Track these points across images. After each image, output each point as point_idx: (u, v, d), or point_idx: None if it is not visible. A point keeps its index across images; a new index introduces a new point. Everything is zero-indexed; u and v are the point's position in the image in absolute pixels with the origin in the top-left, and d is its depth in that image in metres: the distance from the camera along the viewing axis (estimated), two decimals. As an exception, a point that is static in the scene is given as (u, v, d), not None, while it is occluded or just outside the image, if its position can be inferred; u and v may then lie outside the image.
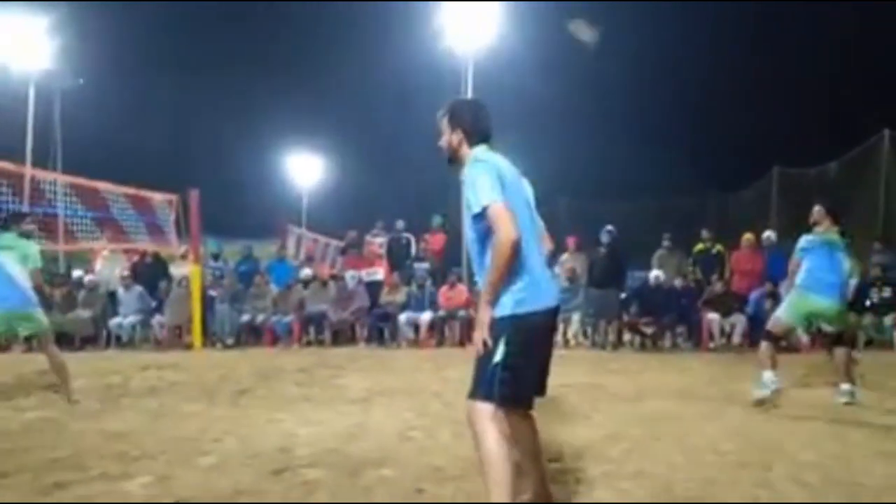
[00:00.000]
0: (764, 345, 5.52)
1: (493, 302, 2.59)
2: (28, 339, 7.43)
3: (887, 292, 9.75)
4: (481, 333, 2.59)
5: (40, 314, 5.86)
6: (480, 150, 2.76)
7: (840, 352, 5.47)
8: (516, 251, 2.51)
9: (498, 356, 2.54)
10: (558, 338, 10.13)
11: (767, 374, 5.36)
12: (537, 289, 2.63)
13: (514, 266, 2.55)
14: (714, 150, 24.90)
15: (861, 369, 6.42)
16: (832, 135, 17.75)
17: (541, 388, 2.77)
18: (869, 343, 9.76)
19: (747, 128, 24.74)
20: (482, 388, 2.58)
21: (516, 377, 2.55)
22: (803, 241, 5.51)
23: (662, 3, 24.88)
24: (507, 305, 2.58)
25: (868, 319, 9.73)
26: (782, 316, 5.46)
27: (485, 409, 2.56)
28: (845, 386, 5.39)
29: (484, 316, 2.60)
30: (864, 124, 14.69)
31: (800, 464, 3.73)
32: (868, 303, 9.81)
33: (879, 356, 8.92)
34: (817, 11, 23.83)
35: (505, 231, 2.48)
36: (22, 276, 5.70)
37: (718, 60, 25.47)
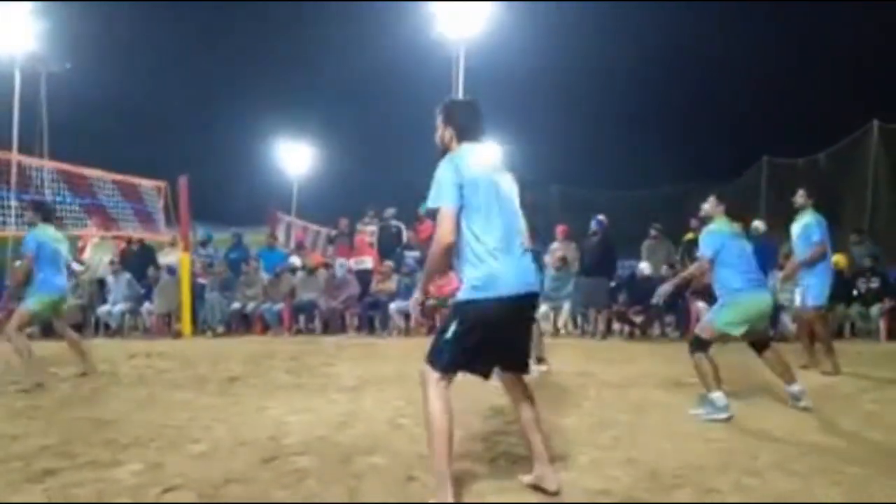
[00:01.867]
0: (702, 358, 4.64)
1: (424, 286, 3.18)
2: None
3: (875, 282, 9.85)
4: (416, 311, 3.52)
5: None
6: (462, 148, 3.01)
7: (773, 352, 4.82)
8: (447, 252, 2.89)
9: (449, 333, 2.91)
10: (548, 326, 10.18)
11: (719, 396, 4.53)
12: (495, 278, 2.88)
13: (472, 256, 2.89)
14: (704, 139, 24.96)
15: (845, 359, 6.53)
16: (821, 125, 17.81)
17: (514, 366, 3.12)
18: (856, 333, 9.88)
19: (737, 117, 24.82)
20: (432, 355, 2.94)
21: (462, 351, 2.89)
22: (709, 237, 4.85)
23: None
24: (465, 291, 2.94)
25: (855, 309, 9.83)
26: (723, 327, 4.68)
27: (431, 375, 2.91)
28: (795, 386, 4.78)
29: (417, 294, 3.32)
30: (852, 115, 14.77)
31: (786, 452, 3.77)
32: (855, 293, 9.91)
33: (866, 346, 9.03)
34: (806, 3, 23.89)
35: (441, 234, 2.86)
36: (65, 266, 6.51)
37: (708, 50, 25.50)
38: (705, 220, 5.06)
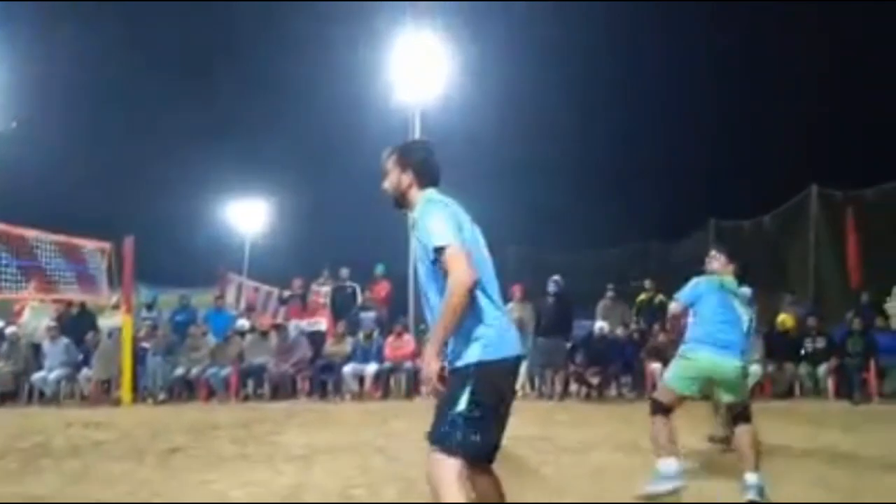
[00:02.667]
0: (657, 421, 4.29)
1: (439, 347, 2.47)
2: None
3: (821, 342, 10.07)
4: (432, 381, 2.47)
5: None
6: (431, 192, 2.70)
7: (743, 430, 4.22)
8: (472, 295, 2.42)
9: (461, 405, 2.40)
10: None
11: (667, 464, 4.12)
12: (505, 335, 2.54)
13: (479, 311, 2.48)
14: (653, 200, 25.70)
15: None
16: (767, 187, 18.57)
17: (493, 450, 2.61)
18: (804, 392, 10.04)
19: (682, 178, 25.61)
20: (444, 439, 2.41)
21: (479, 428, 2.41)
22: (693, 284, 4.61)
23: (602, 53, 25.92)
24: (475, 352, 2.47)
25: (804, 369, 10.00)
26: (669, 381, 4.42)
27: (449, 465, 2.39)
28: (752, 477, 4.02)
29: (432, 362, 2.47)
30: (794, 178, 15.43)
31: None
32: (802, 352, 10.12)
33: (814, 405, 9.16)
34: (749, 68, 25.29)
35: (463, 272, 2.38)
36: None
37: (655, 111, 26.59)
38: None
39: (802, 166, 17.58)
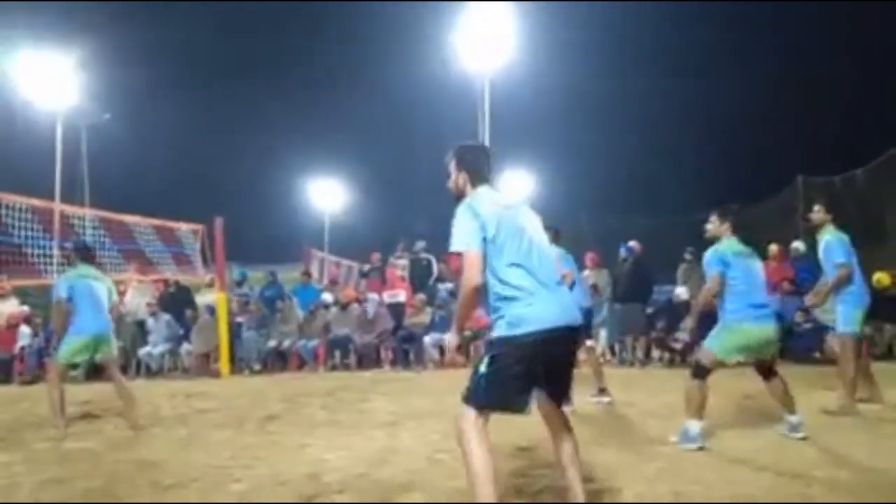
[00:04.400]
0: (694, 384, 4.52)
1: (459, 328, 3.10)
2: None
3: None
4: (452, 354, 3.35)
5: (114, 340, 6.38)
6: (480, 191, 3.05)
7: (778, 381, 4.62)
8: (476, 294, 2.89)
9: (482, 369, 2.85)
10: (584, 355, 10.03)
11: (692, 424, 4.48)
12: (525, 316, 2.84)
13: (506, 294, 2.87)
14: (737, 162, 24.65)
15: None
16: (855, 143, 17.50)
17: (553, 397, 3.06)
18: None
19: (769, 138, 24.47)
20: (467, 393, 2.89)
21: (496, 387, 2.83)
22: (717, 255, 4.66)
23: (687, 16, 24.87)
24: (501, 328, 2.88)
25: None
26: (715, 348, 4.56)
27: (468, 415, 2.85)
28: (794, 418, 4.60)
29: (452, 339, 3.21)
30: (888, 131, 14.47)
31: (838, 479, 3.63)
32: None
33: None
34: (840, 23, 23.69)
35: (469, 278, 2.86)
36: (106, 305, 6.23)
37: (740, 72, 25.35)
38: (712, 242, 4.82)
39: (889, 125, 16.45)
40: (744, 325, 4.49)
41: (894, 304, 9.53)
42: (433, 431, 5.31)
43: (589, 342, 6.56)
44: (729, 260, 4.59)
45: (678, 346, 10.04)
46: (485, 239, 2.87)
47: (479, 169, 3.12)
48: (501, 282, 2.88)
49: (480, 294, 2.92)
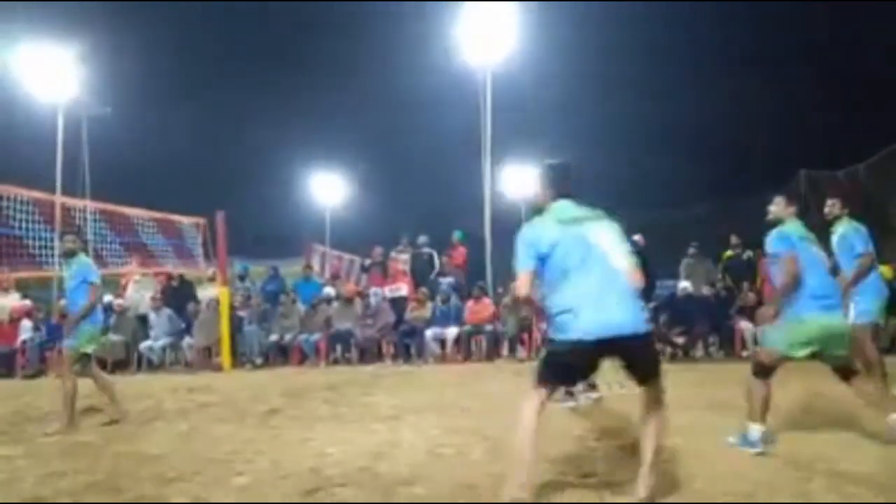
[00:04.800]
0: (755, 383, 4.23)
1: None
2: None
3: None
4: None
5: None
6: (554, 206, 3.46)
7: (860, 381, 4.30)
8: (527, 301, 3.55)
9: (542, 354, 3.46)
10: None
11: (755, 429, 4.17)
12: (569, 326, 3.16)
13: (554, 304, 3.24)
14: (740, 155, 24.60)
15: None
16: (861, 137, 17.43)
17: (638, 380, 3.35)
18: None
19: (774, 132, 24.40)
20: (534, 375, 3.32)
21: (552, 370, 3.30)
22: (785, 237, 4.31)
23: (691, 10, 24.76)
24: (550, 330, 3.37)
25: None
26: (778, 342, 4.23)
27: (531, 394, 3.27)
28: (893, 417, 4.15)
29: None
30: (890, 125, 14.44)
31: (841, 474, 3.62)
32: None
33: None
34: (843, 17, 23.58)
35: (517, 288, 3.43)
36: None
37: (744, 66, 25.27)
38: (774, 224, 4.48)
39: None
40: (807, 316, 4.11)
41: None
42: (434, 425, 5.31)
43: None
44: (795, 242, 4.25)
45: (680, 340, 10.05)
46: (540, 256, 3.28)
47: (557, 185, 3.51)
48: (550, 296, 3.28)
49: (530, 302, 3.60)
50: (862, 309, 5.64)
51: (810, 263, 4.21)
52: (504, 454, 3.95)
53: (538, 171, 3.60)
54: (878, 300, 5.72)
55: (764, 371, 4.22)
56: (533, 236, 3.36)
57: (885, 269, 9.65)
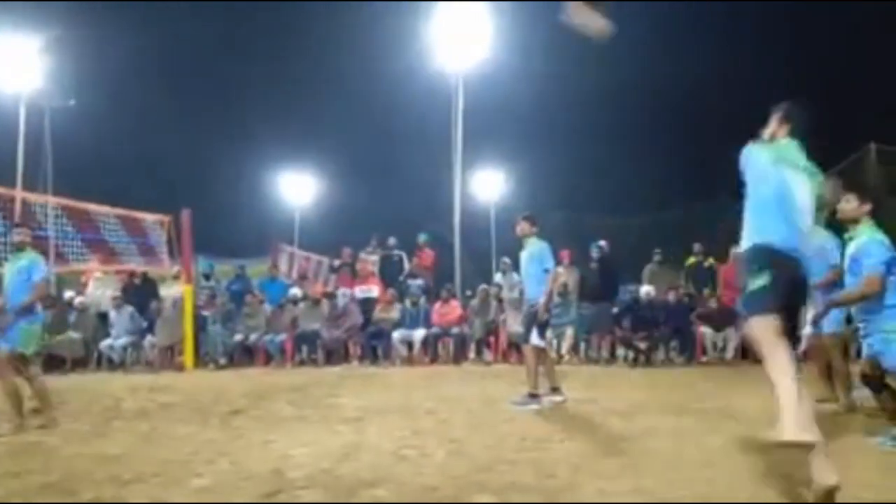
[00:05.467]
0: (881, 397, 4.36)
1: None
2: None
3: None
4: None
5: None
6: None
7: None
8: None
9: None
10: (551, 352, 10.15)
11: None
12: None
13: None
14: (705, 163, 25.03)
15: None
16: (820, 148, 17.89)
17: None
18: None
19: (736, 142, 24.92)
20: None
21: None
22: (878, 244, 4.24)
23: (658, 17, 25.14)
24: None
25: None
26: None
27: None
28: None
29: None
30: (851, 138, 14.85)
31: (795, 479, 3.72)
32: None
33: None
34: (806, 24, 24.16)
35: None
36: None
37: (710, 73, 25.67)
38: (845, 228, 4.45)
39: (860, 124, 16.87)
40: None
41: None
42: (400, 427, 5.31)
43: (542, 342, 6.41)
44: (889, 254, 4.14)
45: (643, 345, 10.21)
46: None
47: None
48: None
49: None
50: (830, 319, 5.74)
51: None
52: (467, 456, 3.97)
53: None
54: (843, 311, 5.77)
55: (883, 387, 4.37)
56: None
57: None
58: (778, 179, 3.46)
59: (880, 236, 4.28)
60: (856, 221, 4.37)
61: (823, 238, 5.76)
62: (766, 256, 3.31)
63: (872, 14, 20.58)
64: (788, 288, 3.33)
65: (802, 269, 3.38)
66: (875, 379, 4.41)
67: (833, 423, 5.15)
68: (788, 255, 3.32)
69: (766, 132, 3.73)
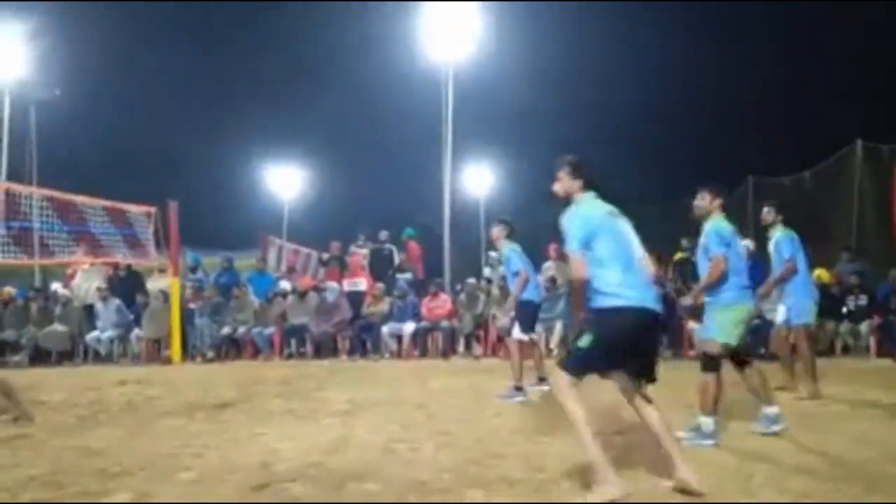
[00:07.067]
0: (709, 378, 4.42)
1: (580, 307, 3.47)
2: None
3: (863, 300, 9.91)
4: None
5: None
6: (584, 198, 3.62)
7: (755, 370, 4.64)
8: (584, 286, 3.41)
9: (581, 342, 3.40)
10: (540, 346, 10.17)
11: (708, 421, 4.39)
12: (620, 296, 3.35)
13: (599, 285, 3.39)
14: (690, 158, 25.14)
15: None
16: (806, 144, 18.04)
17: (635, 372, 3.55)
18: (846, 350, 9.92)
19: (722, 137, 25.06)
20: (562, 362, 3.55)
21: (590, 357, 3.40)
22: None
23: (645, 12, 25.22)
24: (596, 302, 3.41)
25: (845, 327, 9.87)
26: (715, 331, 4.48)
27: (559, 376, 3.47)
28: (772, 409, 4.59)
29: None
30: (837, 134, 14.97)
31: (780, 471, 3.76)
32: (844, 310, 9.96)
33: (856, 363, 9.06)
34: (792, 21, 24.33)
35: (575, 275, 3.47)
36: None
37: (695, 70, 25.82)
38: (700, 219, 4.73)
39: (846, 121, 17.01)
40: (738, 305, 4.46)
41: (835, 301, 9.92)
42: (388, 421, 5.31)
43: (533, 335, 6.74)
44: (730, 240, 4.52)
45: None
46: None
47: (589, 178, 3.68)
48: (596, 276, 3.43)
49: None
50: (797, 310, 6.20)
51: (737, 258, 4.56)
52: (457, 450, 3.98)
53: (568, 164, 3.68)
54: (809, 301, 6.25)
55: (713, 365, 4.43)
56: (585, 217, 3.50)
57: (821, 272, 10.08)
58: (615, 232, 3.53)
59: (724, 224, 4.60)
60: (710, 214, 4.67)
61: (777, 236, 6.17)
62: (601, 318, 3.38)
63: (860, 12, 20.73)
64: (630, 341, 3.39)
65: (649, 315, 3.42)
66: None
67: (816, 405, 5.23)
68: (632, 310, 3.37)
69: (561, 190, 3.69)
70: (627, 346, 3.40)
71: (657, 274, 3.65)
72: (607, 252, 3.43)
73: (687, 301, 4.71)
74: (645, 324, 3.42)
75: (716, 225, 4.57)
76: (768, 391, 4.67)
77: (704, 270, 4.61)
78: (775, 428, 4.54)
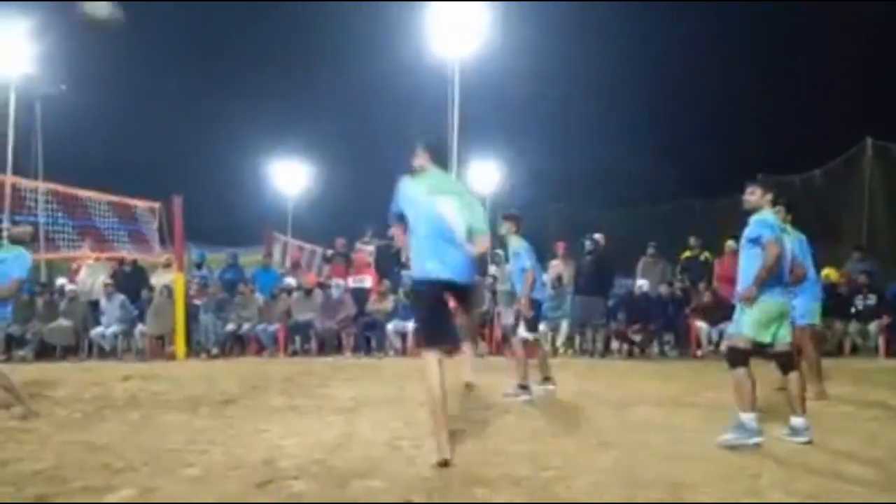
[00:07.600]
0: (741, 373, 4.35)
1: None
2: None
3: (872, 299, 9.83)
4: None
5: None
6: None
7: (798, 376, 4.53)
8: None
9: None
10: (546, 345, 10.13)
11: (749, 418, 4.29)
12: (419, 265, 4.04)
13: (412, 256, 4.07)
14: (702, 157, 25.02)
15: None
16: (817, 143, 17.92)
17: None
18: (855, 350, 9.85)
19: (733, 136, 24.96)
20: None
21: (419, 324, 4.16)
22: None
23: (652, 8, 25.12)
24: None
25: (854, 327, 9.79)
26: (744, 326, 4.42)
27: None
28: (799, 420, 4.41)
29: None
30: (846, 132, 14.89)
31: (788, 472, 3.72)
32: (853, 310, 9.89)
33: (865, 363, 9.00)
34: (801, 21, 24.17)
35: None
36: None
37: (704, 68, 25.68)
38: (750, 212, 4.66)
39: (856, 119, 16.89)
40: (769, 301, 4.37)
41: (844, 301, 9.85)
42: (392, 418, 5.28)
43: (536, 333, 6.59)
44: (776, 229, 4.45)
45: (637, 338, 10.21)
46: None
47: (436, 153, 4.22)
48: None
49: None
50: (801, 311, 5.91)
51: (783, 252, 4.46)
52: (461, 447, 3.95)
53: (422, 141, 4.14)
54: (814, 302, 6.05)
55: (741, 360, 4.37)
56: (402, 190, 4.04)
57: (829, 271, 10.00)
58: (430, 209, 3.95)
59: (772, 217, 4.62)
60: (760, 209, 4.63)
61: (790, 239, 5.89)
62: (416, 289, 4.05)
63: (869, 10, 20.58)
64: (440, 296, 4.07)
65: (455, 283, 4.03)
66: None
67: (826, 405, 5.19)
68: (437, 281, 3.97)
69: (416, 164, 4.11)
70: None
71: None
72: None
73: (745, 293, 4.44)
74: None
75: (764, 216, 4.54)
76: (802, 400, 4.48)
77: (746, 262, 4.53)
78: (800, 439, 4.38)
